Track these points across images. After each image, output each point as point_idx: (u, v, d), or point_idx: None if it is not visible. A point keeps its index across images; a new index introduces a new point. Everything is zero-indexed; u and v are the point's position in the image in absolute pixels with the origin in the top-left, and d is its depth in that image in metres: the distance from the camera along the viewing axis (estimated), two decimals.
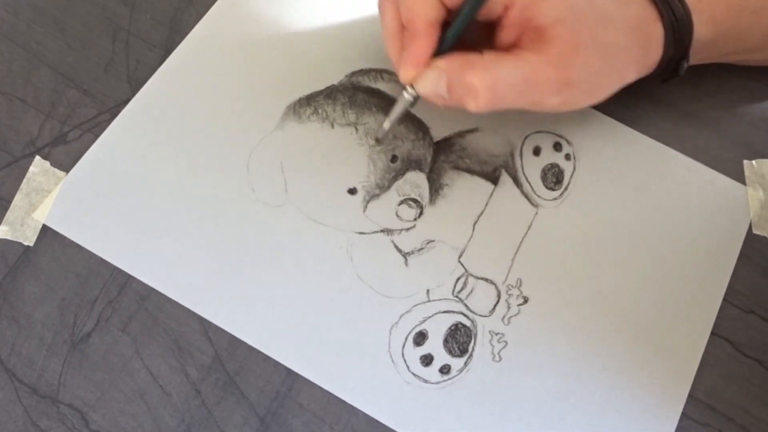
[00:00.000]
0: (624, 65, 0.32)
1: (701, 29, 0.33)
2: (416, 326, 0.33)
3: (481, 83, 0.29)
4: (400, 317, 0.33)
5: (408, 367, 0.32)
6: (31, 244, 0.34)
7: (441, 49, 0.31)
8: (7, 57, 0.39)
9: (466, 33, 0.31)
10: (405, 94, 0.32)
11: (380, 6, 0.33)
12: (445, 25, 0.32)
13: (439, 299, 0.34)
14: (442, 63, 0.31)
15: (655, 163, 0.37)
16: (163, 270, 0.34)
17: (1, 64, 0.38)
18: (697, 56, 0.34)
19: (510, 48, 0.31)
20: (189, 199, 0.35)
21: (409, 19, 0.31)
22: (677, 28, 0.32)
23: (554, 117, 0.37)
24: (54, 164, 0.36)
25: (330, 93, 0.38)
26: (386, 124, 0.34)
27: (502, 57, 0.30)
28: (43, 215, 0.35)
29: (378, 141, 0.36)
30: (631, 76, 0.33)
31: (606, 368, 0.33)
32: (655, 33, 0.32)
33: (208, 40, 0.39)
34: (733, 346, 0.33)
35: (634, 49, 0.32)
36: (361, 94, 0.38)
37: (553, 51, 0.30)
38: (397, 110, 0.34)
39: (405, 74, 0.31)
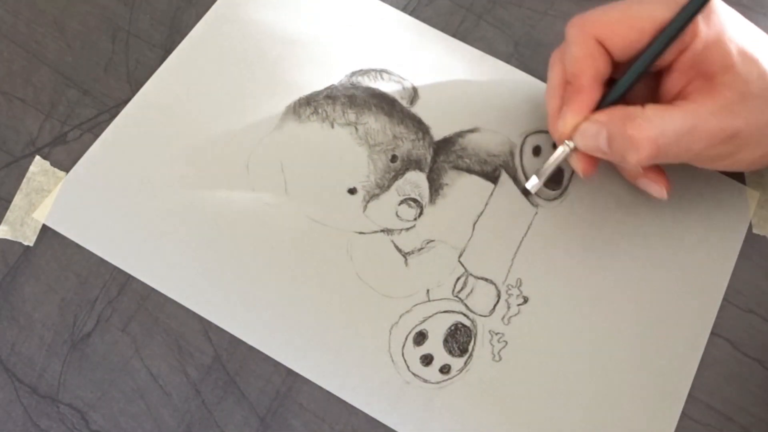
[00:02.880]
0: None
1: None
2: (416, 326, 0.33)
3: (642, 135, 0.29)
4: (400, 317, 0.33)
5: (408, 367, 0.32)
6: (31, 244, 0.34)
7: (603, 104, 0.31)
8: (7, 57, 0.39)
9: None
10: (563, 147, 0.32)
11: (551, 62, 0.33)
12: (610, 81, 0.32)
13: (439, 299, 0.34)
14: (602, 116, 0.31)
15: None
16: (163, 270, 0.34)
17: (1, 64, 0.38)
18: None
19: (674, 99, 0.31)
20: (189, 199, 0.35)
21: (573, 73, 0.31)
22: None
23: None
24: (54, 164, 0.36)
25: (330, 93, 0.38)
26: (540, 178, 0.33)
27: (665, 108, 0.30)
28: (43, 215, 0.35)
29: (525, 191, 0.35)
30: None
31: (606, 368, 0.33)
32: None
33: (208, 40, 0.39)
34: (733, 346, 0.33)
35: None
36: (361, 94, 0.38)
37: (720, 100, 0.29)
38: (553, 163, 0.33)
39: (564, 125, 0.31)
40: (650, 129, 0.29)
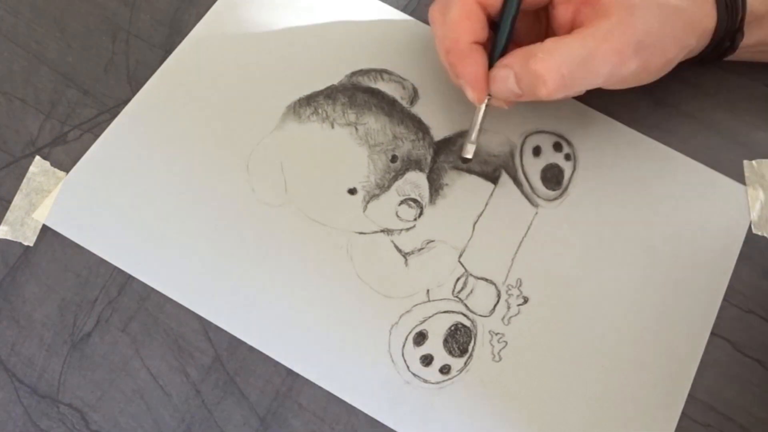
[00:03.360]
0: (682, 27, 0.32)
1: (753, 1, 0.33)
2: (416, 326, 0.33)
3: (546, 69, 0.30)
4: (400, 317, 0.33)
5: (408, 367, 0.32)
6: (31, 244, 0.34)
7: (497, 52, 0.33)
8: (7, 57, 0.39)
9: (518, 33, 0.33)
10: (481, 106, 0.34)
11: (431, 18, 0.34)
12: (495, 29, 0.33)
13: (439, 299, 0.34)
14: (507, 60, 0.32)
15: (655, 164, 0.37)
16: (163, 270, 0.34)
17: (1, 64, 0.38)
18: (750, 34, 0.34)
19: (568, 31, 0.32)
20: (189, 199, 0.35)
21: (453, 38, 0.32)
22: None
23: (554, 117, 0.37)
24: (54, 164, 0.36)
25: (330, 93, 0.38)
26: (472, 140, 0.35)
27: (562, 39, 0.31)
28: (43, 215, 0.35)
29: (464, 160, 0.35)
30: (691, 41, 0.33)
31: (606, 368, 0.33)
32: None
33: (208, 40, 0.39)
34: (733, 346, 0.33)
35: (689, 11, 0.32)
36: (361, 94, 0.38)
37: (611, 19, 0.30)
38: (477, 121, 0.34)
39: (474, 95, 0.33)
40: (551, 61, 0.30)
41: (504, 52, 0.33)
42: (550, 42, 0.31)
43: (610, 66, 0.31)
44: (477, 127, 0.34)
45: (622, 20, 0.30)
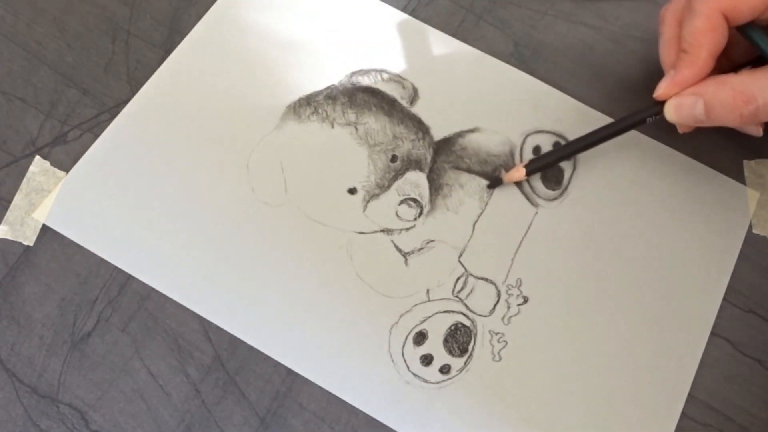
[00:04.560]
0: None
1: None
2: (416, 326, 0.33)
3: (743, 98, 0.30)
4: (400, 317, 0.33)
5: (408, 367, 0.32)
6: (31, 244, 0.34)
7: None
8: (7, 57, 0.39)
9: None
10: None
11: (662, 17, 0.34)
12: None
13: (439, 299, 0.34)
14: (695, 88, 0.32)
15: (655, 164, 0.37)
16: (163, 270, 0.34)
17: (1, 64, 0.38)
18: None
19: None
20: (189, 199, 0.35)
21: (692, 44, 0.31)
22: None
23: (554, 117, 0.37)
24: (54, 164, 0.36)
25: (330, 93, 0.38)
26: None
27: (756, 71, 0.31)
28: (43, 215, 0.35)
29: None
30: None
31: (606, 368, 0.33)
32: None
33: (208, 40, 0.39)
34: (733, 346, 0.33)
35: None
36: (361, 94, 0.38)
37: None
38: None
39: (666, 90, 0.32)
40: (749, 90, 0.30)
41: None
42: (744, 73, 0.31)
43: None
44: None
45: None
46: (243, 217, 0.35)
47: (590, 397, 0.32)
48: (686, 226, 0.36)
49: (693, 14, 0.31)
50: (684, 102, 0.32)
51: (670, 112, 0.33)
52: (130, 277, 0.34)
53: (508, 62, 0.39)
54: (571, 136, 0.37)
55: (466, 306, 0.34)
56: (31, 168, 0.36)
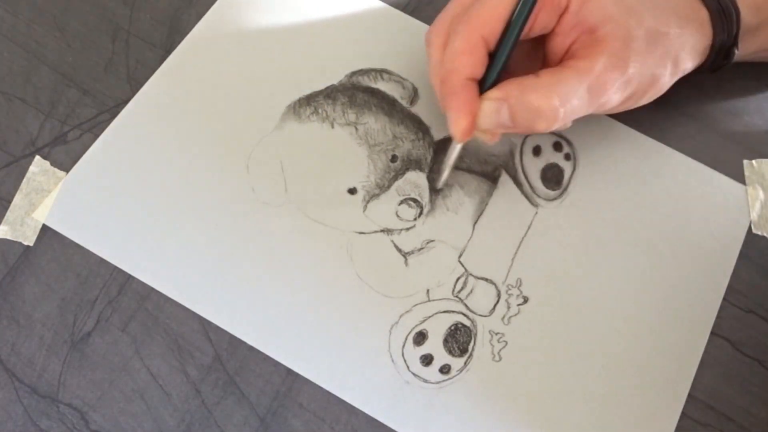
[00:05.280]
0: (678, 53, 0.32)
1: (746, 14, 0.33)
2: (416, 326, 0.33)
3: (548, 104, 0.30)
4: (400, 317, 0.33)
5: (408, 366, 0.32)
6: (31, 244, 0.34)
7: (489, 82, 0.31)
8: (7, 57, 0.39)
9: (512, 61, 0.31)
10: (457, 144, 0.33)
11: (426, 38, 0.33)
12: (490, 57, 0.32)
13: (439, 299, 0.34)
14: (498, 93, 0.31)
15: (655, 163, 0.37)
16: (163, 270, 0.34)
17: (1, 64, 0.38)
18: (745, 45, 0.34)
19: (562, 59, 0.32)
20: (189, 199, 0.35)
21: (449, 70, 0.31)
22: (721, 11, 0.33)
23: None
24: (54, 164, 0.36)
25: (330, 93, 0.38)
26: (444, 174, 0.35)
27: (559, 72, 0.30)
28: (43, 215, 0.35)
29: (436, 191, 0.36)
30: (687, 64, 0.33)
31: (606, 368, 0.33)
32: (702, 17, 0.33)
33: (208, 40, 0.39)
34: (733, 346, 0.33)
35: (686, 36, 0.32)
36: (361, 94, 0.38)
37: (607, 50, 0.30)
38: (452, 158, 0.34)
39: (459, 129, 0.31)
40: (553, 96, 0.30)
41: (494, 83, 0.31)
42: (546, 76, 0.30)
43: (605, 98, 0.31)
44: (451, 163, 0.34)
45: (618, 53, 0.30)
46: (243, 217, 0.35)
47: (590, 397, 0.32)
48: (686, 226, 0.36)
49: (452, 36, 0.31)
50: (486, 108, 0.31)
51: (479, 123, 0.31)
52: (130, 277, 0.34)
53: None
54: (571, 135, 0.37)
55: (466, 306, 0.34)
56: (31, 168, 0.36)
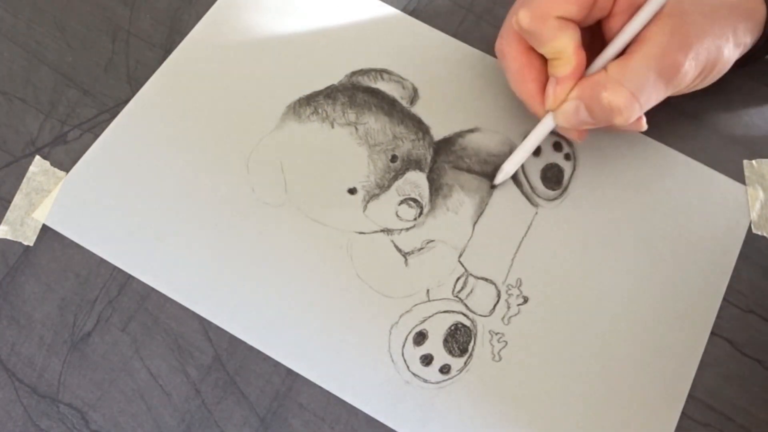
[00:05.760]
0: (736, 24, 0.32)
1: None
2: (416, 326, 0.33)
3: (622, 100, 0.30)
4: (400, 317, 0.33)
5: (408, 366, 0.32)
6: (31, 244, 0.34)
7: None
8: (7, 57, 0.39)
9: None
10: (548, 119, 0.34)
11: (500, 52, 0.34)
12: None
13: (439, 299, 0.34)
14: (575, 92, 0.32)
15: (655, 163, 0.37)
16: (163, 270, 0.34)
17: (1, 64, 0.38)
18: None
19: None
20: (189, 199, 0.35)
21: (557, 50, 0.32)
22: None
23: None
24: (54, 164, 0.36)
25: (330, 93, 0.38)
26: (518, 158, 0.35)
27: (625, 62, 0.31)
28: (43, 215, 0.35)
29: (493, 186, 0.36)
30: (746, 37, 0.33)
31: (606, 368, 0.33)
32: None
33: (208, 40, 0.39)
34: (733, 346, 0.33)
35: (741, 8, 0.32)
36: (361, 94, 0.38)
37: (666, 28, 0.30)
38: (539, 138, 0.34)
39: (555, 99, 0.32)
40: (623, 90, 0.30)
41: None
42: (614, 69, 0.31)
43: (678, 78, 0.31)
44: (536, 144, 0.35)
45: (677, 30, 0.30)
46: (243, 217, 0.35)
47: (590, 397, 0.32)
48: (686, 226, 0.36)
49: (534, 34, 0.31)
50: (567, 109, 0.32)
51: (559, 121, 0.33)
52: (130, 277, 0.34)
53: None
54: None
55: (466, 306, 0.34)
56: (31, 168, 0.36)
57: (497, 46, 0.35)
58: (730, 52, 0.32)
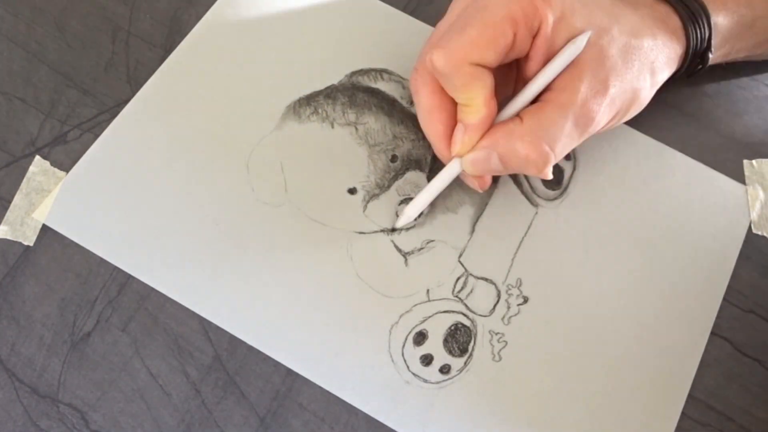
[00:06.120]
0: (654, 63, 0.32)
1: (716, 17, 0.33)
2: (416, 326, 0.33)
3: (536, 152, 0.30)
4: (400, 317, 0.33)
5: (408, 366, 0.32)
6: (31, 244, 0.34)
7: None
8: (7, 57, 0.39)
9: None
10: (455, 164, 0.32)
11: (413, 88, 0.33)
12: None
13: (439, 299, 0.34)
14: (485, 141, 0.31)
15: (655, 163, 0.37)
16: (163, 270, 0.34)
17: (1, 64, 0.38)
18: (718, 49, 0.35)
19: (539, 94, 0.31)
20: (189, 198, 0.35)
21: (468, 98, 0.30)
22: (693, 17, 0.33)
23: None
24: (54, 164, 0.36)
25: (330, 93, 0.38)
26: (421, 201, 0.34)
27: (541, 112, 0.30)
28: (43, 215, 0.35)
29: (393, 229, 0.35)
30: (664, 73, 0.33)
31: (606, 368, 0.33)
32: (674, 24, 0.33)
33: (208, 40, 0.39)
34: (733, 346, 0.33)
35: (660, 46, 0.32)
36: (361, 93, 0.38)
37: (585, 76, 0.30)
38: (444, 182, 0.33)
39: (461, 147, 0.31)
40: (541, 144, 0.30)
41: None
42: (530, 120, 0.30)
43: (591, 127, 0.31)
44: (440, 189, 0.34)
45: (596, 76, 0.30)
46: (243, 217, 0.35)
47: (590, 397, 0.32)
48: (686, 226, 0.36)
49: (448, 78, 0.30)
50: (477, 157, 0.31)
51: (468, 168, 0.32)
52: (130, 277, 0.34)
53: None
54: None
55: (466, 306, 0.34)
56: (31, 168, 0.36)
57: (411, 79, 0.33)
58: (648, 91, 0.32)
